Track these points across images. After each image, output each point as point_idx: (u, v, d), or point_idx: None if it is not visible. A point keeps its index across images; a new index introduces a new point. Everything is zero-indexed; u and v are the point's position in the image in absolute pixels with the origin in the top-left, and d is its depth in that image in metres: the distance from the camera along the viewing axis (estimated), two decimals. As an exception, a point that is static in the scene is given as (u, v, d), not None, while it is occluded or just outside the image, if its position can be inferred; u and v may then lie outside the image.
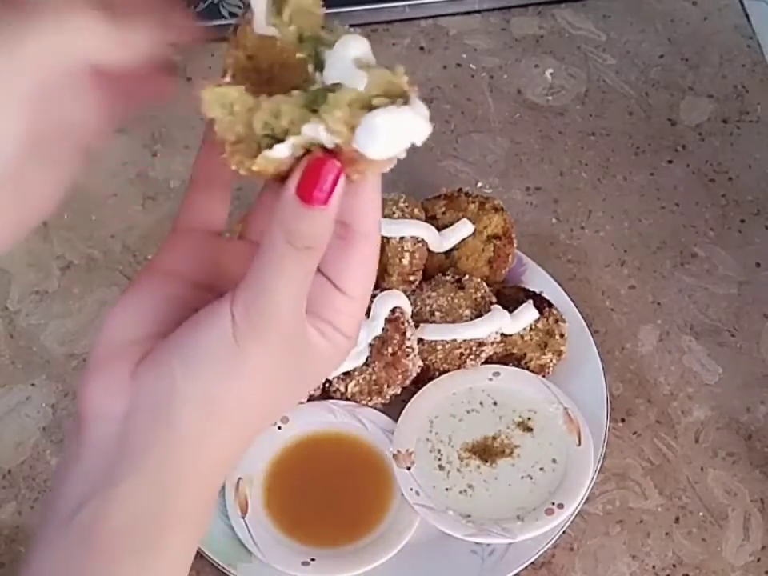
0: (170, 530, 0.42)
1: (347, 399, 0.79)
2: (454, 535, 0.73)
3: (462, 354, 0.79)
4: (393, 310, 0.78)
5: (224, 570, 0.73)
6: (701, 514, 0.77)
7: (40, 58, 0.39)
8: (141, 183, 0.94)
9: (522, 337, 0.81)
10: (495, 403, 0.79)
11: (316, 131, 0.39)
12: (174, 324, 0.43)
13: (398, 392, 0.79)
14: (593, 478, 0.75)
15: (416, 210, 0.84)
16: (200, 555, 0.73)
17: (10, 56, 0.38)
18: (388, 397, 0.78)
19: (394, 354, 0.77)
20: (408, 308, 0.79)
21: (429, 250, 0.83)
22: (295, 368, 0.43)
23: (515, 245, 0.85)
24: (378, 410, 0.79)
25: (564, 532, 0.74)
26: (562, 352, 0.81)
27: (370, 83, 0.39)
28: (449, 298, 0.81)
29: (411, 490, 0.75)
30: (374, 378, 0.78)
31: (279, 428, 0.77)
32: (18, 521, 0.77)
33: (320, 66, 0.40)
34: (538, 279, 0.85)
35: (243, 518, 0.74)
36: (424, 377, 0.79)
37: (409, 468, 0.76)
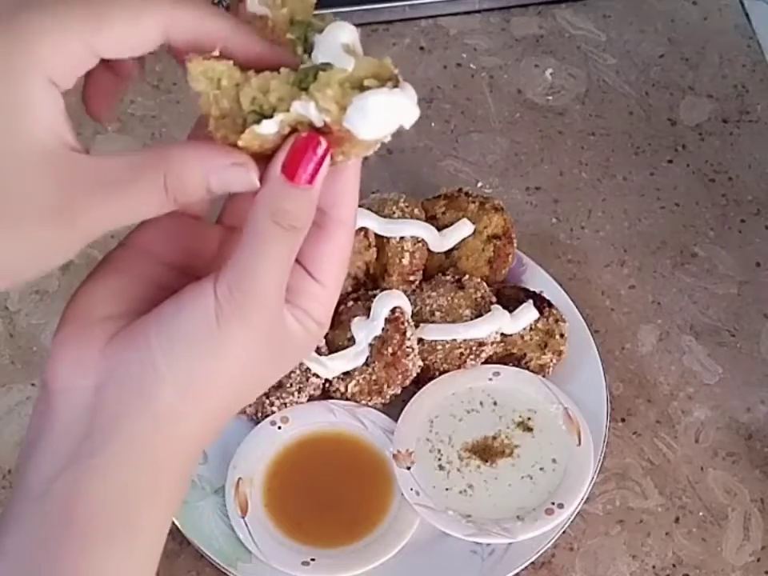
0: (144, 504, 0.42)
1: (347, 399, 0.79)
2: (454, 535, 0.73)
3: (462, 353, 0.79)
4: (393, 310, 0.78)
5: (224, 570, 0.73)
6: (701, 513, 0.77)
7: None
8: (141, 183, 0.94)
9: (522, 337, 0.81)
10: (495, 403, 0.79)
11: (306, 108, 0.39)
12: (145, 302, 0.43)
13: (398, 392, 0.79)
14: (593, 477, 0.75)
15: (416, 210, 0.84)
16: (200, 555, 0.73)
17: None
18: (388, 397, 0.78)
19: (394, 353, 0.77)
20: (408, 308, 0.79)
21: (429, 249, 0.83)
22: (274, 351, 0.43)
23: (515, 245, 0.85)
24: (378, 409, 0.79)
25: (564, 532, 0.74)
26: (562, 352, 0.81)
27: (358, 66, 0.39)
28: (449, 298, 0.81)
29: (411, 489, 0.75)
30: (374, 378, 0.78)
31: (279, 428, 0.77)
32: (18, 521, 0.77)
33: (309, 49, 0.41)
34: (538, 279, 0.85)
35: (243, 517, 0.74)
36: (424, 377, 0.79)
37: (409, 468, 0.76)
